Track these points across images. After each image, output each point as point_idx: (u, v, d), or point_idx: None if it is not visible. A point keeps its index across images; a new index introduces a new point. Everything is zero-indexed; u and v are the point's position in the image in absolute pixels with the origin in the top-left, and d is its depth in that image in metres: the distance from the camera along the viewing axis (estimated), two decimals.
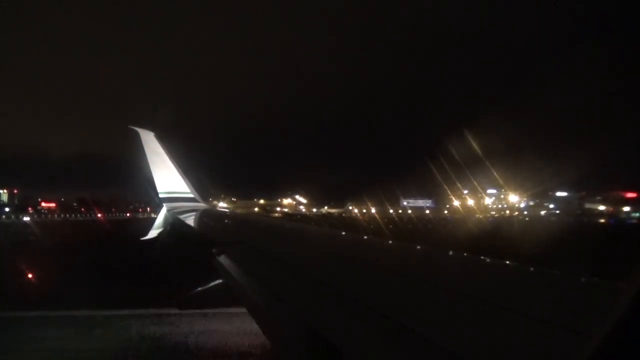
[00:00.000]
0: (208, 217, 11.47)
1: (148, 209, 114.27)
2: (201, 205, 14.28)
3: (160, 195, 14.01)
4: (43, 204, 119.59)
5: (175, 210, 13.18)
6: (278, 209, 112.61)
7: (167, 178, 14.23)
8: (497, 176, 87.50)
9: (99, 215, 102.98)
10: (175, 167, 14.47)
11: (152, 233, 13.03)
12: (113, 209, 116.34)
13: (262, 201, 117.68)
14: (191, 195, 14.49)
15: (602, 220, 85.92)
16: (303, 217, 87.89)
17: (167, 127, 15.22)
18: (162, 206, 14.02)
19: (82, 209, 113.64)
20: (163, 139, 14.63)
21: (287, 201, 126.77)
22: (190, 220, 11.41)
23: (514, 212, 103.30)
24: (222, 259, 5.07)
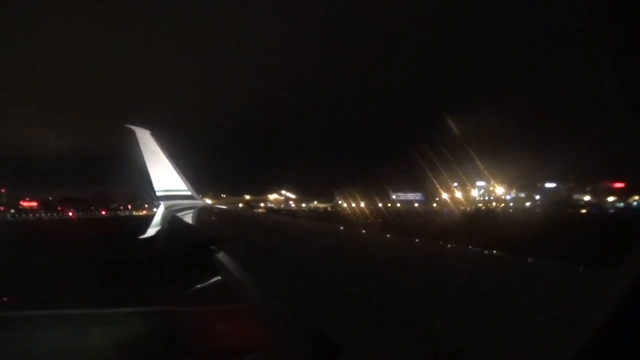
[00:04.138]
0: (206, 213, 11.48)
1: (129, 206, 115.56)
2: (199, 202, 14.36)
3: (158, 193, 14.09)
4: (24, 204, 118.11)
5: (173, 208, 13.22)
6: (262, 204, 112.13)
7: (164, 176, 14.30)
8: (485, 168, 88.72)
9: (70, 214, 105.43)
10: (171, 164, 14.55)
11: (150, 231, 13.04)
12: (92, 207, 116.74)
13: (247, 197, 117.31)
14: (189, 193, 14.54)
15: (584, 211, 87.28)
16: (288, 212, 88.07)
17: (154, 125, 15.00)
18: (160, 204, 14.04)
19: (59, 208, 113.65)
20: (159, 137, 14.76)
21: (273, 196, 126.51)
22: (188, 217, 11.44)
23: (500, 204, 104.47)
24: (221, 256, 5.09)
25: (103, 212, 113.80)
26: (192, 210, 12.00)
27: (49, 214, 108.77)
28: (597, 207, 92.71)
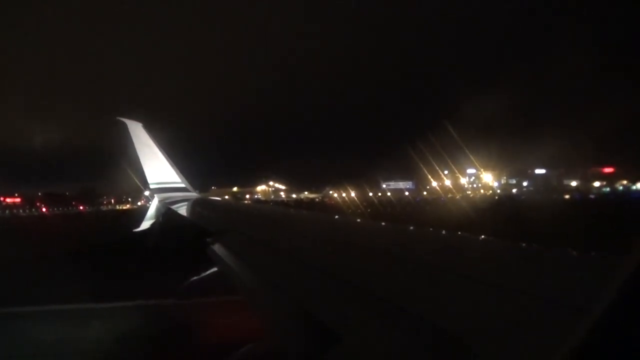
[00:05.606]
0: (200, 206, 11.35)
1: (112, 200, 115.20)
2: (193, 194, 14.09)
3: (151, 186, 13.81)
4: (8, 200, 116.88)
5: (167, 201, 13.03)
6: (247, 196, 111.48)
7: (157, 168, 14.02)
8: (474, 156, 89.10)
9: (43, 209, 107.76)
10: (164, 157, 14.25)
11: (145, 224, 12.88)
12: (73, 203, 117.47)
13: (236, 189, 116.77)
14: (182, 185, 14.26)
15: (567, 197, 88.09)
16: (275, 203, 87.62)
17: (143, 117, 14.80)
18: (154, 197, 13.91)
19: (38, 204, 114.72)
20: (151, 129, 14.45)
21: (261, 188, 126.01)
22: (183, 210, 11.34)
23: (488, 191, 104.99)
24: (216, 248, 5.05)
25: (81, 208, 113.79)
26: (186, 203, 11.90)
27: (27, 211, 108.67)
28: (579, 192, 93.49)
